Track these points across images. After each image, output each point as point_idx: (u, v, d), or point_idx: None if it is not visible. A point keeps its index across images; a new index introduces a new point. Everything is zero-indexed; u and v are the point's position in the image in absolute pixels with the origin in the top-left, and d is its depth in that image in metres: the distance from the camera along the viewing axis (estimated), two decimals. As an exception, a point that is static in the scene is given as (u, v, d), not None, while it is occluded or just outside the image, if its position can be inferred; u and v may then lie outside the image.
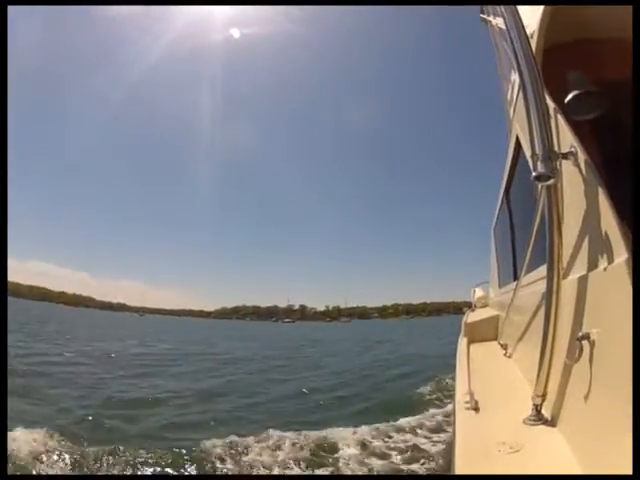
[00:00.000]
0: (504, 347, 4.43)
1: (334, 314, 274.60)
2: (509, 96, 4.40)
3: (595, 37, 3.28)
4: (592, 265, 1.76)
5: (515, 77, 3.68)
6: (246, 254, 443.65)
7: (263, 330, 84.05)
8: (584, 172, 1.86)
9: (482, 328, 6.07)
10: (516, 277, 3.93)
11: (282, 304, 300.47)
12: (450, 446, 2.95)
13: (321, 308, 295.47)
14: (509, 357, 4.06)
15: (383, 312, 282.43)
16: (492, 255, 7.39)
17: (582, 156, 1.88)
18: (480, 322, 6.34)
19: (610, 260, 1.55)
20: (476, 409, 2.63)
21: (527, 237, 2.68)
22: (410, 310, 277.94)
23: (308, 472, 7.28)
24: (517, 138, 3.61)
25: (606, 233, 1.62)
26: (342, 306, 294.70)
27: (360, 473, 6.82)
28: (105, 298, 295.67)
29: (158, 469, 7.50)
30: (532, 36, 2.86)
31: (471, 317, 7.00)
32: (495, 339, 5.51)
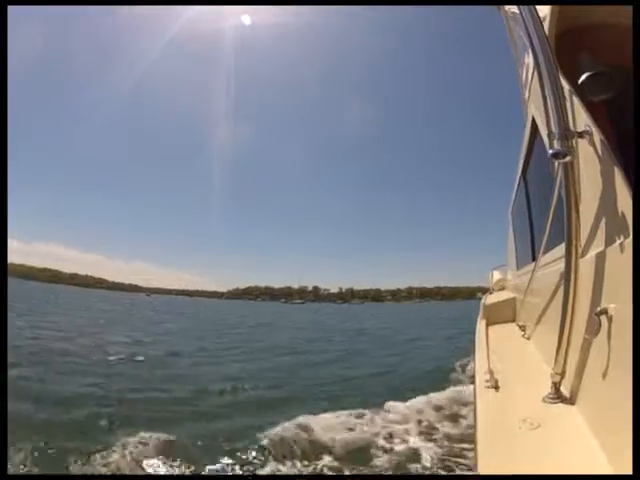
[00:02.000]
0: (522, 328, 4.44)
1: (347, 296, 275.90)
2: (524, 78, 4.38)
3: (605, 23, 3.24)
4: (609, 241, 1.77)
5: (529, 60, 3.68)
6: (262, 236, 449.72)
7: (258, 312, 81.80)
8: (599, 150, 1.88)
9: (500, 310, 6.09)
10: (534, 258, 3.92)
11: (295, 285, 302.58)
12: (473, 423, 2.97)
13: (334, 290, 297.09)
14: (527, 338, 4.08)
15: (396, 295, 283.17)
16: (509, 237, 7.36)
17: (597, 135, 1.90)
18: (498, 304, 6.36)
19: (627, 235, 1.56)
20: (496, 387, 2.67)
21: (545, 217, 2.69)
22: (424, 294, 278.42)
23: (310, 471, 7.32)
24: (533, 119, 3.61)
25: (622, 209, 1.63)
26: (355, 288, 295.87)
27: (360, 473, 6.83)
28: (118, 279, 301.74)
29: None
30: (544, 19, 2.84)
31: (489, 299, 7.01)
32: (513, 321, 5.52)
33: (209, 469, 7.10)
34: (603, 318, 1.64)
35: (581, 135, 1.95)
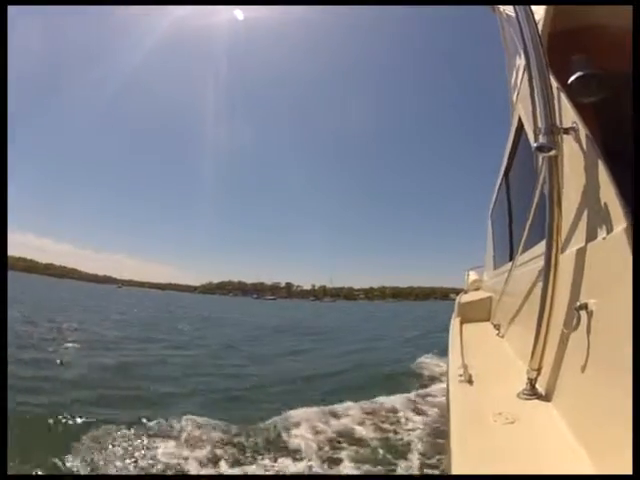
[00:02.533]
0: (497, 327, 4.48)
1: (320, 293, 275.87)
2: (513, 81, 4.43)
3: (600, 24, 3.28)
4: (590, 237, 1.78)
5: (520, 61, 3.71)
6: (237, 231, 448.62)
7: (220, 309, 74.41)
8: (584, 146, 1.89)
9: (475, 308, 6.16)
10: (512, 258, 3.95)
11: (268, 281, 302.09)
12: (446, 415, 2.96)
13: (307, 287, 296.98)
14: (502, 337, 4.11)
15: (369, 294, 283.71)
16: (488, 238, 7.47)
17: (583, 131, 1.91)
18: (473, 302, 6.44)
19: (609, 230, 1.56)
20: (470, 382, 2.65)
21: (525, 216, 2.70)
22: (397, 293, 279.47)
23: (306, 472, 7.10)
24: (519, 119, 3.63)
25: (605, 205, 1.63)
26: (328, 285, 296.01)
27: (359, 473, 6.80)
28: (91, 270, 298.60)
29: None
30: (539, 20, 2.86)
31: (464, 298, 7.09)
32: (488, 320, 5.57)
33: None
34: (583, 313, 1.64)
35: (567, 131, 1.97)
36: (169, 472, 6.47)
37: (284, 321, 46.23)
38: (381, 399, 10.77)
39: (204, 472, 6.61)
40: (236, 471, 6.70)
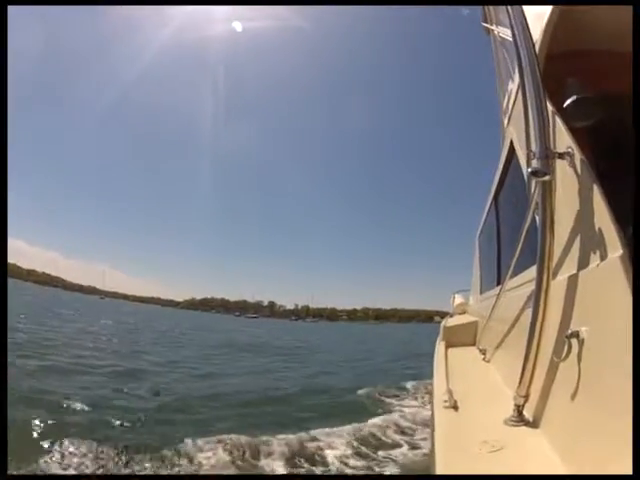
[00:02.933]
0: (483, 352, 4.42)
1: (303, 313, 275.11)
2: (505, 105, 4.46)
3: (595, 48, 3.32)
4: (583, 264, 1.76)
5: (512, 86, 3.75)
6: (221, 248, 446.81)
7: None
8: (580, 172, 1.87)
9: (461, 333, 6.11)
10: (499, 282, 3.93)
11: (251, 299, 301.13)
12: (430, 444, 2.92)
13: (290, 306, 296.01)
14: (488, 362, 4.07)
15: (352, 315, 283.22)
16: (475, 262, 7.48)
17: (578, 156, 1.90)
18: (459, 326, 6.39)
19: (603, 257, 1.54)
20: (455, 407, 2.61)
21: (514, 241, 2.68)
22: (380, 315, 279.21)
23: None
24: (511, 143, 3.62)
25: (600, 231, 1.61)
26: (311, 306, 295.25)
27: (359, 473, 6.70)
28: (76, 280, 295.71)
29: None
30: (536, 42, 2.88)
31: (450, 322, 7.04)
32: (473, 344, 5.52)
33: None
34: (574, 341, 1.61)
35: (562, 156, 1.95)
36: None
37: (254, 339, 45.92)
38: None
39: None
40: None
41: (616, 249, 1.43)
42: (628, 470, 1.08)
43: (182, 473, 6.38)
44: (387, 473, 6.97)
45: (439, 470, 1.89)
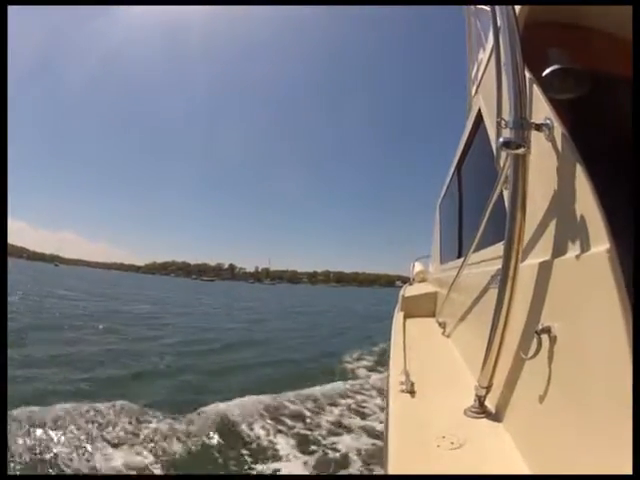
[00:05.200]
0: (442, 325, 4.38)
1: (263, 275, 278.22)
2: (474, 74, 4.30)
3: (581, 24, 3.15)
4: (559, 250, 1.58)
5: (483, 55, 3.57)
6: (185, 210, 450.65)
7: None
8: (559, 146, 1.66)
9: (420, 303, 6.05)
10: (461, 254, 3.83)
11: (212, 262, 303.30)
12: (384, 431, 2.79)
13: (250, 269, 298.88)
14: (447, 336, 4.01)
15: (313, 278, 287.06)
16: (435, 230, 7.40)
17: (559, 130, 1.67)
18: (418, 297, 6.31)
19: (584, 247, 1.37)
20: (412, 392, 2.47)
21: (479, 214, 2.52)
22: (341, 278, 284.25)
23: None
24: (479, 112, 3.43)
25: (582, 218, 1.42)
26: (271, 268, 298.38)
27: (359, 473, 6.68)
28: (39, 249, 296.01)
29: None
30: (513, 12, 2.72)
31: (409, 291, 6.96)
32: (433, 316, 5.49)
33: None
34: (544, 337, 1.48)
35: (539, 127, 1.73)
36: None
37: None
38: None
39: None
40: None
41: (602, 240, 1.25)
42: (628, 469, 0.97)
43: (182, 473, 6.27)
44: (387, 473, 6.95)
45: (393, 466, 1.74)
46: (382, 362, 14.27)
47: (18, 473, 6.04)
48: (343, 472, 6.86)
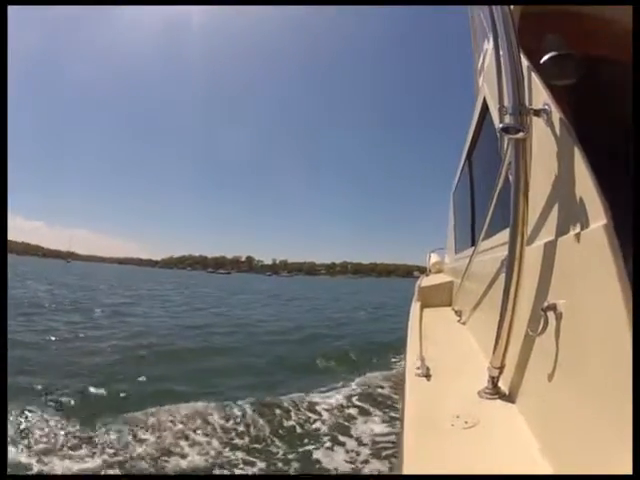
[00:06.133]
0: (458, 314, 4.43)
1: (280, 268, 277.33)
2: (480, 64, 4.34)
3: (576, 11, 3.16)
4: (561, 230, 1.63)
5: (488, 46, 3.60)
6: (201, 207, 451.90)
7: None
8: (557, 131, 1.72)
9: (436, 293, 6.09)
10: (474, 243, 3.86)
11: (229, 255, 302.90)
12: (400, 414, 2.85)
13: (268, 261, 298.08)
14: (463, 324, 4.05)
15: (331, 269, 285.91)
16: (450, 220, 7.43)
17: (557, 115, 1.73)
18: (434, 287, 6.35)
19: (584, 225, 1.42)
20: (427, 376, 2.54)
21: (488, 201, 2.57)
22: (359, 270, 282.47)
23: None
24: (484, 100, 3.48)
25: (581, 197, 1.48)
26: (289, 260, 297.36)
27: (359, 473, 6.72)
28: (55, 247, 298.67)
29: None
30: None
31: (425, 282, 6.98)
32: (449, 305, 5.52)
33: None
34: (550, 314, 1.53)
35: (537, 113, 1.80)
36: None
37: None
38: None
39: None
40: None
41: (599, 217, 1.30)
42: (628, 469, 1.01)
43: (182, 473, 6.33)
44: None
45: (408, 446, 1.80)
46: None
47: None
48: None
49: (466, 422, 1.82)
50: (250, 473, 6.35)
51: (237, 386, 9.93)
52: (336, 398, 9.41)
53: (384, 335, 18.24)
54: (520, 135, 1.74)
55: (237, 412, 8.18)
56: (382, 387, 10.30)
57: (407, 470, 1.60)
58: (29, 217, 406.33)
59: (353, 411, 8.68)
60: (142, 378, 10.21)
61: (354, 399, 9.38)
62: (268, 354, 14.21)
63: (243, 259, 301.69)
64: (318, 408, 8.77)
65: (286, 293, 56.11)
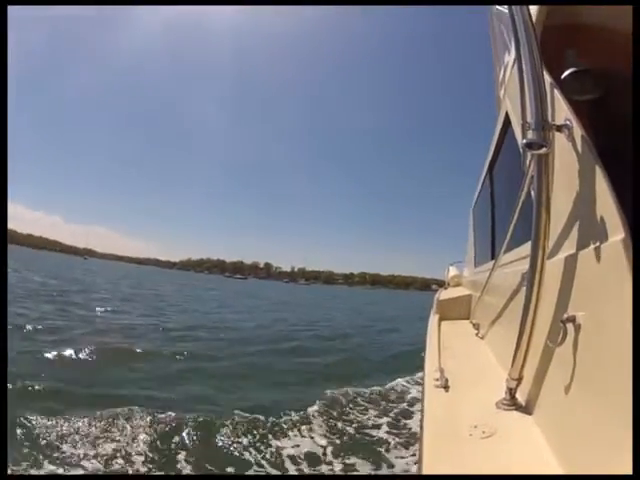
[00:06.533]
0: (476, 327, 4.42)
1: (299, 275, 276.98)
2: (500, 77, 4.37)
3: (595, 24, 3.18)
4: (582, 244, 1.66)
5: (509, 58, 3.63)
6: (222, 210, 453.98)
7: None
8: (579, 146, 1.75)
9: (454, 306, 6.08)
10: (494, 256, 3.87)
11: (248, 261, 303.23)
12: (420, 424, 2.88)
13: (287, 268, 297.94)
14: (481, 338, 4.04)
15: (349, 279, 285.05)
16: (470, 234, 7.43)
17: (578, 130, 1.77)
18: (453, 300, 6.34)
19: (603, 239, 1.44)
20: (446, 387, 2.57)
21: (509, 215, 2.59)
22: (377, 281, 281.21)
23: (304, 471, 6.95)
24: (506, 114, 3.51)
25: (601, 210, 1.51)
26: (307, 268, 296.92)
27: (360, 473, 6.71)
28: (73, 243, 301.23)
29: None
30: (533, 14, 2.77)
31: (444, 295, 6.98)
32: (467, 318, 5.51)
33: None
34: (569, 326, 1.54)
35: (559, 129, 1.83)
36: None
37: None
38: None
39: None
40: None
41: (618, 231, 1.33)
42: (627, 469, 1.03)
43: (182, 473, 6.34)
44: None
45: (427, 455, 1.83)
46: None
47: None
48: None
49: (484, 432, 1.84)
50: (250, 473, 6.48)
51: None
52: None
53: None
54: (543, 151, 1.77)
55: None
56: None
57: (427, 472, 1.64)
58: (48, 210, 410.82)
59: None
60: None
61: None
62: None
63: (261, 265, 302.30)
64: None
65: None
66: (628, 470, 1.02)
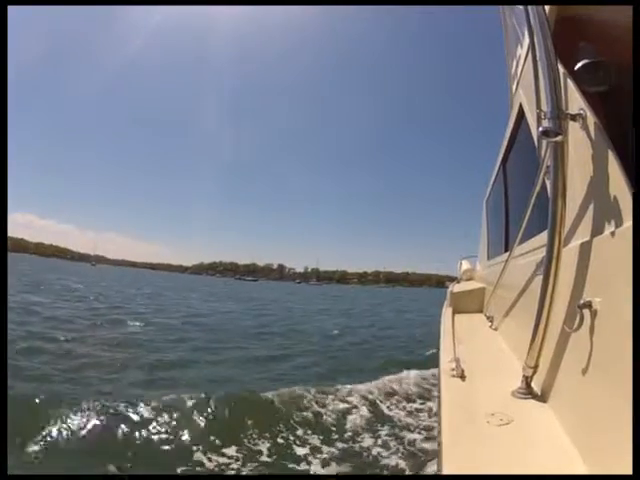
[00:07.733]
0: (490, 319, 4.42)
1: (312, 276, 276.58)
2: (514, 70, 4.36)
3: (607, 17, 3.17)
4: (597, 230, 1.68)
5: (521, 51, 3.64)
6: (239, 213, 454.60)
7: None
8: (593, 135, 1.78)
9: (468, 299, 6.10)
10: (507, 249, 3.87)
11: (261, 263, 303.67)
12: (438, 413, 2.88)
13: (300, 269, 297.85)
14: (495, 329, 4.05)
15: (363, 278, 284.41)
16: (482, 227, 7.41)
17: (592, 119, 1.80)
18: (466, 293, 6.35)
19: (617, 225, 1.46)
20: (462, 377, 2.57)
21: (523, 206, 2.61)
22: (391, 279, 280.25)
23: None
24: (520, 106, 3.52)
25: (615, 197, 1.53)
26: (321, 268, 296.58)
27: (360, 473, 6.71)
28: (84, 250, 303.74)
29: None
30: (545, 6, 2.77)
31: (457, 288, 6.97)
32: (480, 311, 5.52)
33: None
34: (586, 312, 1.54)
35: (574, 118, 1.86)
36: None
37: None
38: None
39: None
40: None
41: (630, 216, 1.35)
42: (628, 469, 1.05)
43: (182, 474, 6.35)
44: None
45: (446, 441, 1.84)
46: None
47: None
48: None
49: (501, 420, 1.85)
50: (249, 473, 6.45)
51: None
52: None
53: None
54: (559, 138, 1.80)
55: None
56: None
57: (446, 463, 1.64)
58: (59, 219, 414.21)
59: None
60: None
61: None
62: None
63: (275, 267, 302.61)
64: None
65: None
66: None
